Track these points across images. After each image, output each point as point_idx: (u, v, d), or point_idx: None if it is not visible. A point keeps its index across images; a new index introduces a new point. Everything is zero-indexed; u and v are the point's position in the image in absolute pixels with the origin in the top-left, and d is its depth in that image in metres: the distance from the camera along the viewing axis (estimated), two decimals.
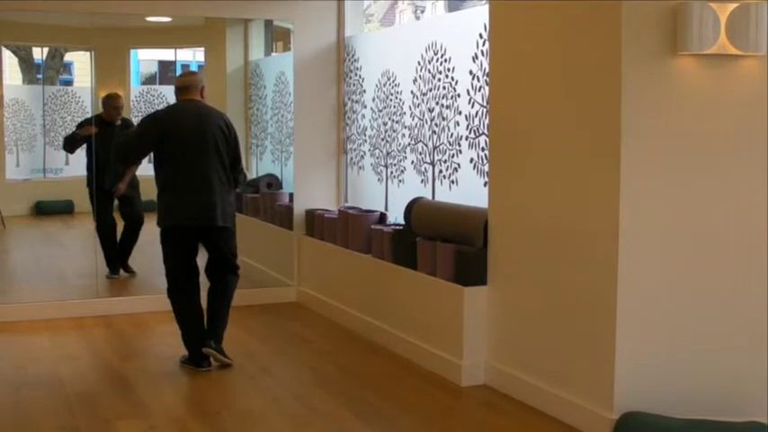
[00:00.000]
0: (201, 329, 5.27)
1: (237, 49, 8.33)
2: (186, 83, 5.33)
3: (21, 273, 8.12)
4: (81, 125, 7.54)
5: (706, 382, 4.11)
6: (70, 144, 7.64)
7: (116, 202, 7.53)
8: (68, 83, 8.92)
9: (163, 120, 5.28)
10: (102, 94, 8.14)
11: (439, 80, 5.88)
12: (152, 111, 7.82)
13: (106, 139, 7.29)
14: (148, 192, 6.92)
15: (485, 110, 5.32)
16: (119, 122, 7.44)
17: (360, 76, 7.02)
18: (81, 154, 8.02)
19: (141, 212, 7.47)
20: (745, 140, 4.09)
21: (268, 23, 8.32)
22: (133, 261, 7.54)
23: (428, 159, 6.06)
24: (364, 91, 6.95)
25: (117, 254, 7.48)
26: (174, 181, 5.15)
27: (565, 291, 4.34)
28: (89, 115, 8.24)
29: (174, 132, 5.14)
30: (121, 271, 7.54)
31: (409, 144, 6.32)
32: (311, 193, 7.17)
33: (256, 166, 8.47)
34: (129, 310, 6.74)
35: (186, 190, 5.12)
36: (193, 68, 5.56)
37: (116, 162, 5.51)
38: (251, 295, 6.41)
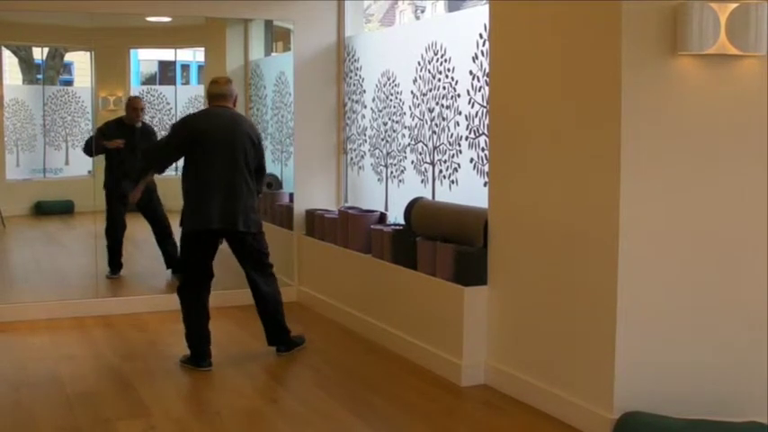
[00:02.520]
0: (205, 331, 5.31)
1: (237, 49, 8.33)
2: (223, 92, 5.35)
3: (21, 273, 8.11)
4: (103, 131, 7.47)
5: (706, 382, 4.11)
6: (91, 150, 7.57)
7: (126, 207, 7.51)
8: (68, 83, 8.91)
9: (193, 123, 5.34)
10: (103, 94, 8.15)
11: (439, 80, 5.88)
12: (152, 111, 7.85)
13: (126, 142, 7.32)
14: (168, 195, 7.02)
15: (485, 110, 5.32)
16: (139, 125, 7.45)
17: (360, 76, 7.02)
18: (83, 155, 8.03)
19: (163, 216, 7.46)
20: (745, 140, 4.09)
21: (268, 23, 8.32)
22: (134, 261, 7.53)
23: (428, 159, 6.06)
24: (364, 91, 6.95)
25: (120, 256, 7.47)
26: (200, 184, 5.20)
27: (565, 291, 4.34)
28: (89, 115, 8.24)
29: (203, 136, 5.20)
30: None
31: (409, 144, 6.32)
32: (311, 193, 7.17)
33: None
34: (129, 310, 6.74)
35: (211, 194, 5.18)
36: (224, 77, 5.50)
37: (145, 166, 5.44)
38: (251, 295, 6.39)
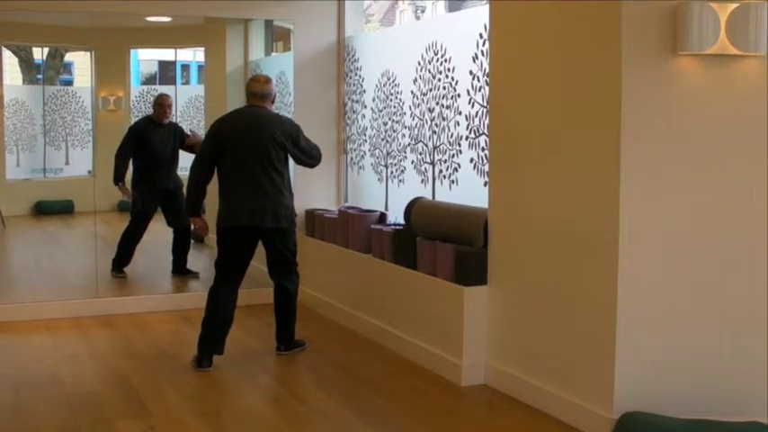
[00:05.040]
0: (216, 334, 5.30)
1: (237, 49, 8.33)
2: (261, 91, 5.42)
3: (21, 273, 8.11)
4: (134, 130, 7.45)
5: (706, 382, 4.11)
6: (117, 175, 7.49)
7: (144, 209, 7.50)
8: (68, 83, 8.91)
9: (219, 126, 5.42)
10: (103, 94, 8.15)
11: (439, 80, 5.88)
12: (151, 111, 7.86)
13: (156, 140, 7.34)
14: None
15: (485, 110, 5.32)
16: (167, 122, 7.47)
17: (360, 76, 7.02)
18: (83, 155, 8.02)
19: (186, 218, 7.46)
20: (745, 140, 4.09)
21: (268, 23, 8.32)
22: (135, 261, 7.53)
23: (428, 159, 6.06)
24: (364, 91, 6.95)
25: (131, 257, 7.48)
26: (229, 183, 5.31)
27: (565, 291, 4.34)
28: (89, 115, 8.24)
29: (227, 137, 5.31)
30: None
31: (409, 144, 6.32)
32: (311, 192, 7.17)
33: None
34: (129, 310, 6.74)
35: (238, 193, 5.26)
36: (265, 75, 5.51)
37: (192, 182, 5.38)
38: (251, 295, 6.40)
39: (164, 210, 7.52)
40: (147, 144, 7.36)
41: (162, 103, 7.48)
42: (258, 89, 5.41)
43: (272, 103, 5.51)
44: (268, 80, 5.51)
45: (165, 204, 7.51)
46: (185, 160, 7.16)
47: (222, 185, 5.37)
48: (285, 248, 5.43)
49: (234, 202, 5.26)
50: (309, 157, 5.50)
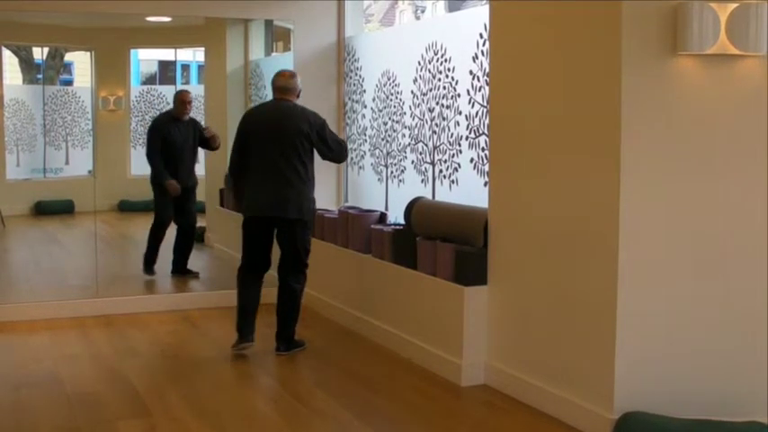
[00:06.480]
0: (249, 317, 5.47)
1: (237, 49, 8.33)
2: (285, 85, 5.52)
3: (21, 273, 8.12)
4: (156, 126, 7.41)
5: (706, 382, 4.11)
6: (158, 179, 7.44)
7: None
8: (68, 83, 8.92)
9: (245, 119, 5.59)
10: (103, 94, 8.16)
11: (439, 80, 5.89)
12: (152, 111, 7.87)
13: (176, 136, 7.34)
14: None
15: (485, 110, 5.32)
16: (187, 118, 7.45)
17: (360, 76, 7.02)
18: (83, 155, 8.02)
19: (194, 218, 7.50)
20: (745, 140, 4.09)
21: (268, 23, 8.32)
22: (135, 260, 7.53)
23: (428, 159, 6.06)
24: (364, 91, 6.96)
25: (157, 254, 7.48)
26: (254, 174, 5.42)
27: (565, 291, 4.34)
28: (89, 115, 8.24)
29: (252, 130, 5.45)
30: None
31: (409, 144, 6.32)
32: None
33: None
34: (129, 310, 6.74)
35: (262, 183, 5.37)
36: (290, 70, 5.63)
37: (232, 179, 5.55)
38: None
39: (175, 207, 7.49)
40: (168, 140, 7.33)
41: (183, 100, 7.45)
42: (282, 83, 5.51)
43: (298, 97, 5.59)
44: (293, 75, 5.61)
45: (179, 201, 7.47)
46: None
47: (248, 177, 5.46)
48: (300, 243, 5.46)
49: (258, 192, 5.38)
50: (335, 151, 5.56)
